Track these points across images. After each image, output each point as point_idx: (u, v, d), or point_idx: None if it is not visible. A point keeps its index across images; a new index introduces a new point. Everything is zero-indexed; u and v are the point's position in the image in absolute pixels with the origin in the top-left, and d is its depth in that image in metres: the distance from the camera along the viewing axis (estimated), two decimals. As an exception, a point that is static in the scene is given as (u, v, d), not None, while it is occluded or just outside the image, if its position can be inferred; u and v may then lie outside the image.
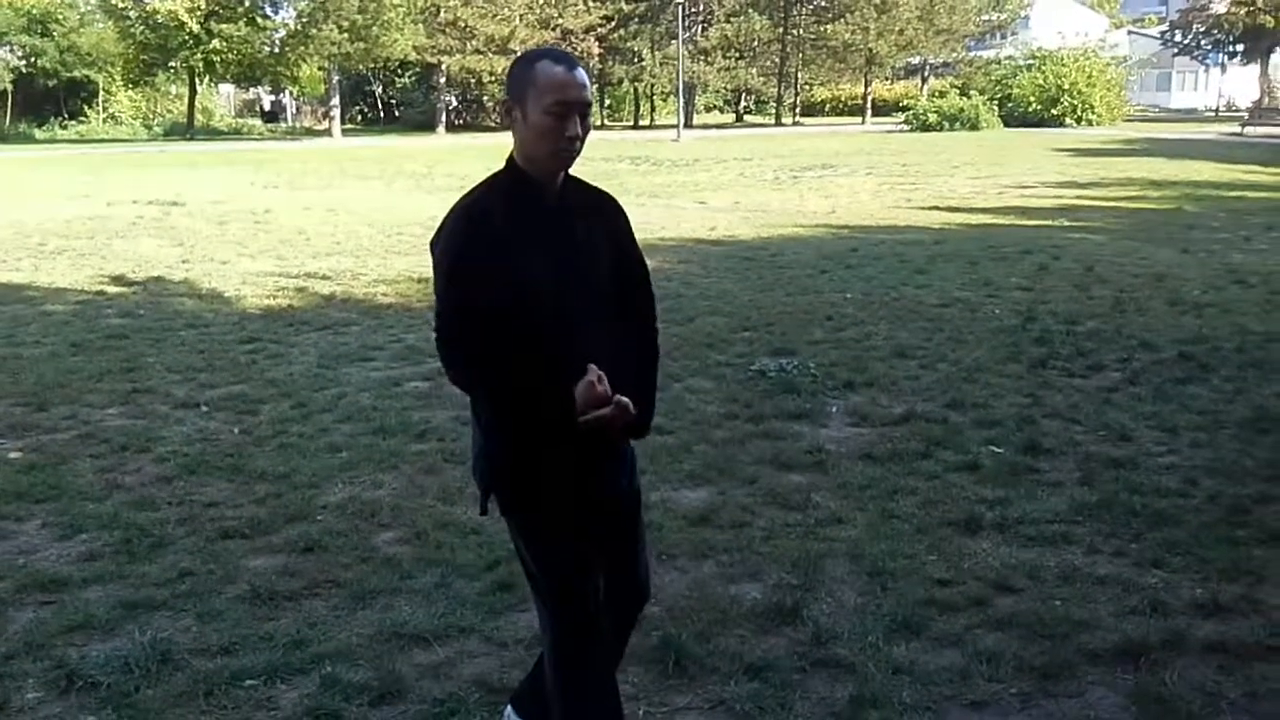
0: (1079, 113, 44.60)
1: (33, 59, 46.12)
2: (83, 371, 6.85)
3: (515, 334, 2.33)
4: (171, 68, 45.81)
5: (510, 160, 2.45)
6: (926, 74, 59.26)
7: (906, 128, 43.61)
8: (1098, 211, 15.16)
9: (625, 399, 2.38)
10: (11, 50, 46.28)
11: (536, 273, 2.36)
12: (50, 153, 34.83)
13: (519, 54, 2.59)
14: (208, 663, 3.29)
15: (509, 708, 2.88)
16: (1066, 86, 44.79)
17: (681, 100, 45.65)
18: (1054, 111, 44.48)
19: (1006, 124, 43.59)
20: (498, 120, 45.44)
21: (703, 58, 55.12)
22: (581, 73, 2.39)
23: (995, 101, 45.39)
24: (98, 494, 4.74)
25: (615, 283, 2.53)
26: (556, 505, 2.46)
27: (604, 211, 2.58)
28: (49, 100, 48.66)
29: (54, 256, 12.02)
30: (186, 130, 46.07)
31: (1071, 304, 8.58)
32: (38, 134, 45.28)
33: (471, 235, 2.35)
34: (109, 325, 8.33)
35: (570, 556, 2.48)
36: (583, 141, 2.40)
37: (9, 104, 47.23)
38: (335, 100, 47.92)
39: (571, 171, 2.48)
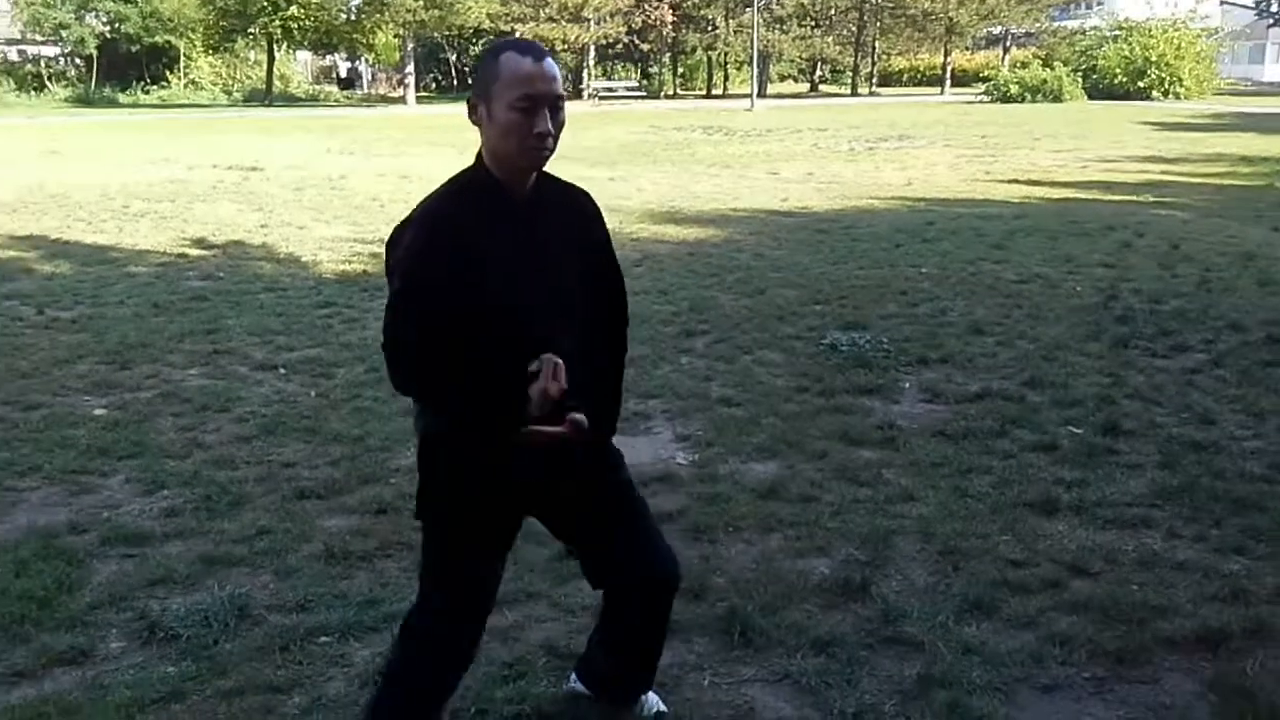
0: (1166, 86, 43.21)
1: (117, 24, 47.06)
2: (165, 332, 7.02)
3: (474, 341, 2.21)
4: (250, 34, 46.61)
5: (478, 159, 2.28)
6: (1008, 44, 57.94)
7: (987, 99, 42.73)
8: (1184, 187, 14.71)
9: (580, 416, 2.21)
10: (97, 16, 47.29)
11: (498, 280, 2.21)
12: (133, 117, 35.61)
13: (486, 46, 2.47)
14: (284, 619, 3.37)
15: (573, 674, 2.90)
16: (1154, 59, 43.42)
17: (756, 69, 45.20)
18: (1140, 84, 43.17)
19: (1091, 96, 42.45)
20: (569, 87, 45.50)
21: (778, 26, 54.55)
22: (551, 64, 2.19)
23: (1079, 73, 44.23)
24: (179, 452, 4.86)
25: (586, 281, 2.39)
26: (474, 518, 2.38)
27: (577, 210, 2.42)
28: (132, 65, 49.65)
29: (137, 219, 12.31)
30: (265, 96, 46.84)
31: (1155, 282, 8.35)
32: (121, 98, 46.30)
33: (431, 246, 2.21)
34: (190, 287, 8.52)
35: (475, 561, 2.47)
36: (556, 139, 2.20)
37: (94, 69, 48.37)
38: (410, 68, 48.25)
39: (558, 171, 2.35)
